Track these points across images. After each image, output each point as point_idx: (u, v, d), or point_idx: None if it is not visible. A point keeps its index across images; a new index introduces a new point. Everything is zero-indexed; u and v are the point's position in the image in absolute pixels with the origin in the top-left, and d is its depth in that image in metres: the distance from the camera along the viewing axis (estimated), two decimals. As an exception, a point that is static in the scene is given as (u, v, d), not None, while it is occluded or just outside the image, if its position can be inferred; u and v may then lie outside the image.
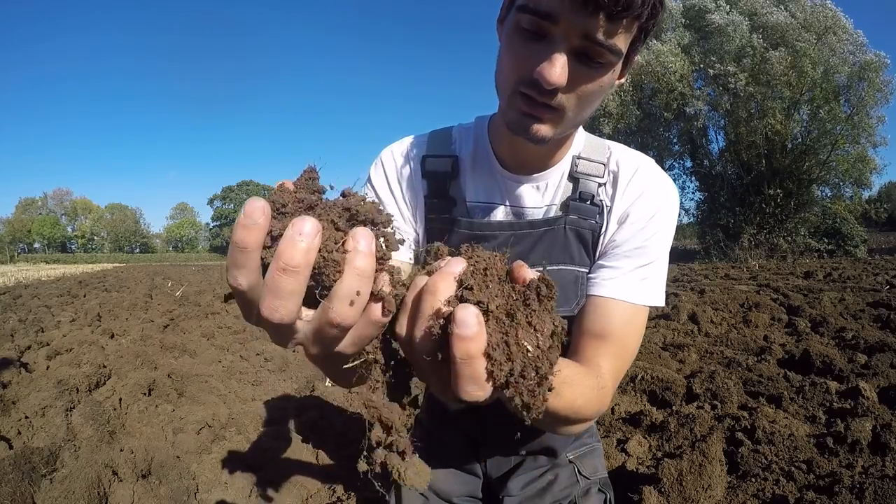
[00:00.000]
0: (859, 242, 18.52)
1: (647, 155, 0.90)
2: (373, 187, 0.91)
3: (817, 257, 17.15)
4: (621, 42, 0.63)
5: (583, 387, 0.66)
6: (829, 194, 20.09)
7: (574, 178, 0.83)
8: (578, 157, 0.83)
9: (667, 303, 5.43)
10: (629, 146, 0.89)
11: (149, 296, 7.49)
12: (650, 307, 0.85)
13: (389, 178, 0.89)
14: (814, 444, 1.84)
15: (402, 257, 0.87)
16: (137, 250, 70.52)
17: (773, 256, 17.51)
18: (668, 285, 8.22)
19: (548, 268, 0.81)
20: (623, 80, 0.74)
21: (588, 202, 0.82)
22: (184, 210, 74.86)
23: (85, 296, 7.93)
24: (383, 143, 0.94)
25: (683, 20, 19.63)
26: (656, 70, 18.87)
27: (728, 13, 17.73)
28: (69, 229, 69.20)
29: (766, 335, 3.76)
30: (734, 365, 2.95)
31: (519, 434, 1.01)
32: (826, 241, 18.41)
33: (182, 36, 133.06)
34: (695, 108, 18.97)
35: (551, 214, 0.84)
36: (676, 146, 22.78)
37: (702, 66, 18.96)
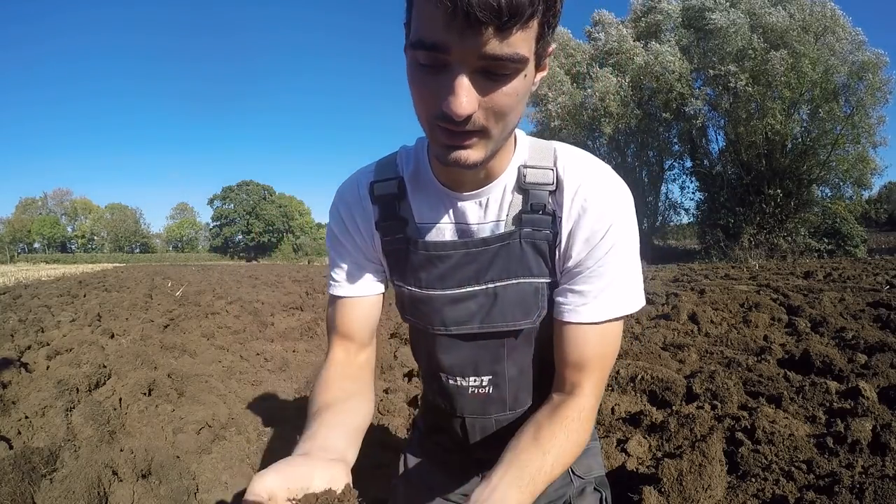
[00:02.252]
0: (859, 242, 18.52)
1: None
2: (332, 232, 0.91)
3: (817, 257, 17.16)
4: (522, 47, 0.60)
5: (565, 450, 0.74)
6: (829, 194, 20.10)
7: (524, 189, 0.80)
8: (525, 167, 0.81)
9: (667, 303, 5.46)
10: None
11: (149, 296, 7.49)
12: (628, 315, 0.82)
13: (345, 218, 0.89)
14: (814, 444, 1.84)
15: (372, 291, 0.91)
16: (137, 250, 70.51)
17: (773, 256, 17.52)
18: (667, 285, 8.17)
19: (507, 282, 0.82)
20: (545, 72, 0.70)
21: (540, 212, 0.80)
22: (184, 210, 74.86)
23: (85, 296, 7.93)
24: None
25: (682, 20, 19.63)
26: (655, 70, 18.87)
27: (728, 12, 17.72)
28: (69, 229, 69.18)
29: (766, 335, 3.77)
30: (734, 365, 2.95)
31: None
32: (826, 241, 18.41)
33: (182, 36, 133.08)
34: (694, 108, 18.98)
35: (501, 230, 0.82)
36: (676, 146, 22.78)
37: (701, 66, 18.96)
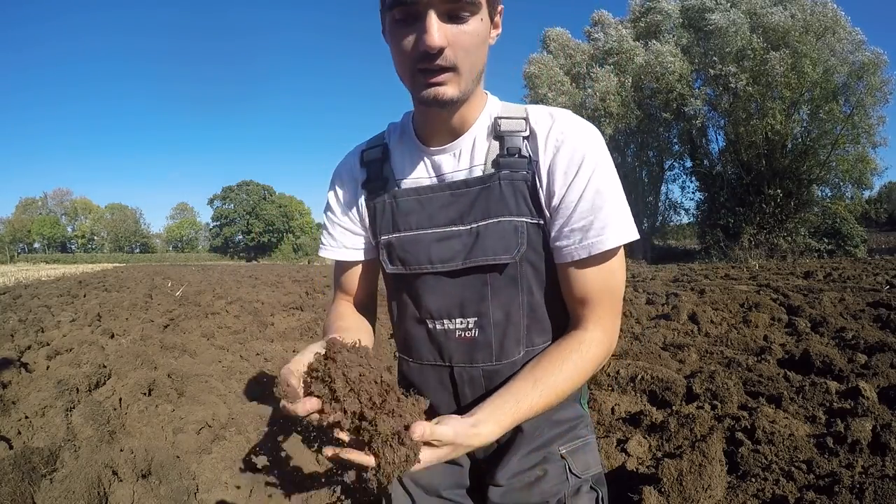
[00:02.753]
0: (859, 242, 18.51)
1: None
2: (328, 201, 1.05)
3: (817, 257, 17.16)
4: None
5: (557, 384, 0.82)
6: (829, 194, 20.08)
7: (499, 136, 0.89)
8: (499, 118, 0.90)
9: (667, 303, 5.46)
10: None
11: (149, 296, 7.49)
12: (625, 245, 0.88)
13: (338, 190, 1.04)
14: (814, 444, 1.84)
15: (353, 257, 1.04)
16: (137, 250, 70.49)
17: (773, 256, 17.51)
18: (667, 285, 8.17)
19: (488, 221, 0.88)
20: (498, 31, 0.85)
21: (515, 156, 0.88)
22: (184, 210, 74.85)
23: (85, 296, 7.93)
24: None
25: (682, 20, 19.61)
26: (655, 70, 18.87)
27: (728, 12, 17.70)
28: (69, 229, 69.17)
29: (766, 335, 3.76)
30: (734, 365, 2.95)
31: None
32: (826, 241, 18.40)
33: (183, 36, 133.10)
34: (694, 108, 18.96)
35: (479, 174, 0.90)
36: (676, 146, 22.77)
37: (701, 66, 18.95)
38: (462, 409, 0.97)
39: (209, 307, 5.83)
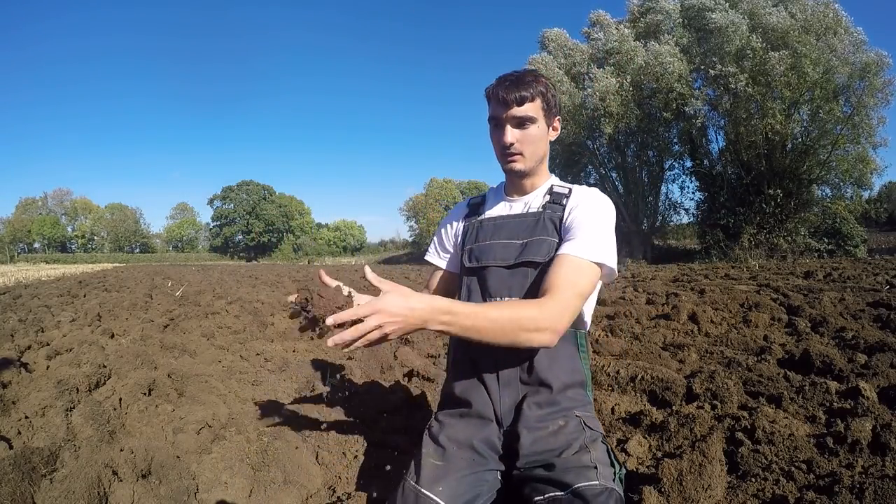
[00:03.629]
0: (859, 242, 18.51)
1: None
2: (441, 224, 1.68)
3: (817, 257, 17.15)
4: (533, 111, 1.36)
5: (509, 313, 1.12)
6: (830, 194, 20.07)
7: (551, 193, 1.46)
8: (555, 185, 1.48)
9: (667, 303, 5.45)
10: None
11: (149, 296, 7.49)
12: (596, 263, 1.28)
13: (448, 220, 1.66)
14: (814, 444, 1.84)
15: (441, 265, 1.65)
16: (137, 250, 70.41)
17: (773, 256, 17.51)
18: (667, 285, 8.20)
19: (533, 238, 1.39)
20: (557, 132, 1.47)
21: (556, 203, 1.42)
22: (184, 210, 74.77)
23: (85, 296, 7.93)
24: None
25: (682, 20, 19.59)
26: (655, 70, 18.85)
27: (727, 12, 17.68)
28: (69, 229, 69.09)
29: (766, 335, 3.76)
30: (734, 365, 2.95)
31: (521, 368, 1.37)
32: (826, 241, 18.39)
33: (183, 36, 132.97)
34: (694, 108, 18.94)
35: (533, 212, 1.46)
36: (676, 146, 22.75)
37: (702, 66, 18.93)
38: (500, 362, 1.36)
39: (209, 307, 5.83)
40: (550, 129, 1.42)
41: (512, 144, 1.35)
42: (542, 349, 1.30)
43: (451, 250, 1.61)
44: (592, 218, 1.33)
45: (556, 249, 1.32)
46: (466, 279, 1.48)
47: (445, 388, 1.53)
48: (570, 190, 1.43)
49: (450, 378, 1.50)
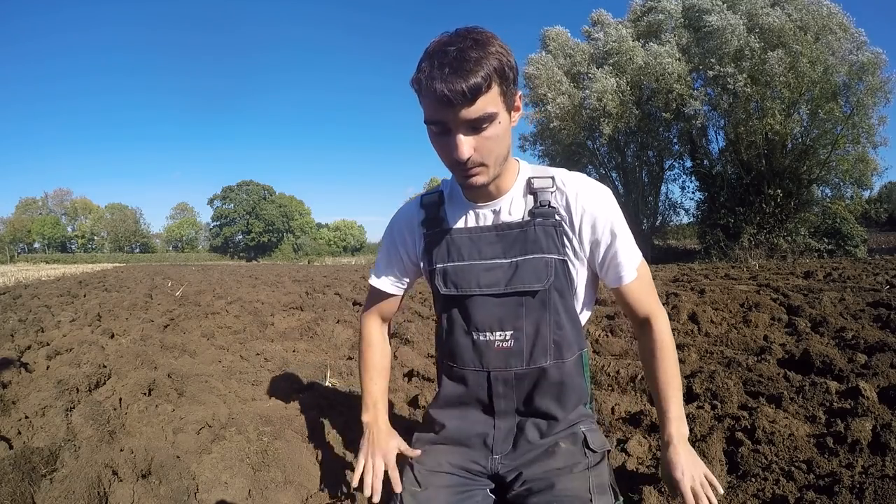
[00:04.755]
0: (859, 242, 18.50)
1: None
2: (386, 239, 1.31)
3: (817, 257, 17.13)
4: (489, 106, 0.94)
5: (674, 358, 1.21)
6: (830, 194, 20.06)
7: (533, 192, 1.15)
8: (532, 178, 1.16)
9: (667, 303, 5.45)
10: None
11: (149, 296, 7.49)
12: (641, 261, 1.20)
13: (396, 231, 1.30)
14: (814, 444, 1.84)
15: (394, 291, 1.33)
16: (137, 250, 70.37)
17: (773, 256, 17.50)
18: (667, 285, 8.21)
19: (525, 257, 1.12)
20: (520, 112, 1.05)
21: (546, 206, 1.14)
22: (184, 210, 74.72)
23: (85, 296, 7.93)
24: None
25: (683, 20, 19.58)
26: (655, 71, 18.84)
27: (725, 14, 17.67)
28: (69, 229, 69.07)
29: (766, 335, 3.76)
30: (734, 365, 2.95)
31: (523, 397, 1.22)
32: (826, 241, 18.38)
33: (183, 35, 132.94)
34: (694, 108, 18.93)
35: (519, 219, 1.16)
36: (676, 146, 22.74)
37: (701, 66, 18.93)
38: (493, 403, 1.20)
39: (209, 307, 5.83)
40: (512, 111, 1.03)
41: (469, 158, 0.98)
42: (548, 380, 1.17)
43: (408, 277, 1.31)
44: (617, 227, 1.13)
45: (562, 266, 1.14)
46: (445, 310, 1.21)
47: (433, 409, 1.31)
48: (555, 182, 1.14)
49: (440, 403, 1.29)
